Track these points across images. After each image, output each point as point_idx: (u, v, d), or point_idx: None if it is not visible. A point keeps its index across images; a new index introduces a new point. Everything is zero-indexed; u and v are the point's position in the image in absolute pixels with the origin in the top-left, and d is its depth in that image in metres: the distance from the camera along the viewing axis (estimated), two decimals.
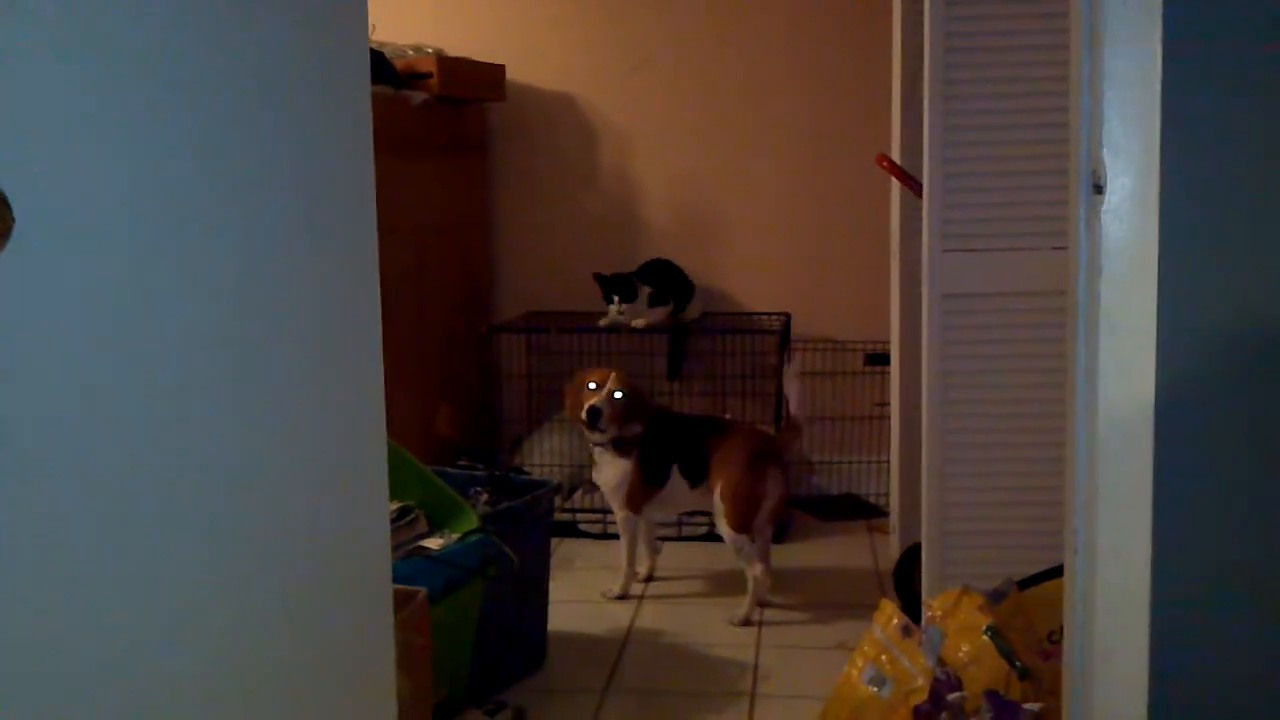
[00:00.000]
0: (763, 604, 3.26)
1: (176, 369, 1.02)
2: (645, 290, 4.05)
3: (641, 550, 3.47)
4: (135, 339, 0.96)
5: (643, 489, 3.34)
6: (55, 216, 0.85)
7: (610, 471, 3.36)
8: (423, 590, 2.22)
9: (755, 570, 3.22)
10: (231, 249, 1.09)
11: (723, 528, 3.24)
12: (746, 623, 3.18)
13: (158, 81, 0.98)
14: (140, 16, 0.95)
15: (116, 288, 0.94)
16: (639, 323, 4.04)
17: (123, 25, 0.93)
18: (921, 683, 2.12)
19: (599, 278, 4.04)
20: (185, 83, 1.01)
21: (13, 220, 0.75)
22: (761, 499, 3.25)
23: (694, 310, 4.17)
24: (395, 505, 2.54)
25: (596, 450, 3.38)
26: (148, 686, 1.00)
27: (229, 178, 1.08)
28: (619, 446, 3.33)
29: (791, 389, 3.42)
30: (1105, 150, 1.31)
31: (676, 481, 3.33)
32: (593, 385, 3.32)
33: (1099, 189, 1.32)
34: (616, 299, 3.99)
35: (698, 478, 3.31)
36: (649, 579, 3.50)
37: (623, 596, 3.37)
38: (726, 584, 3.42)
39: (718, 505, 3.24)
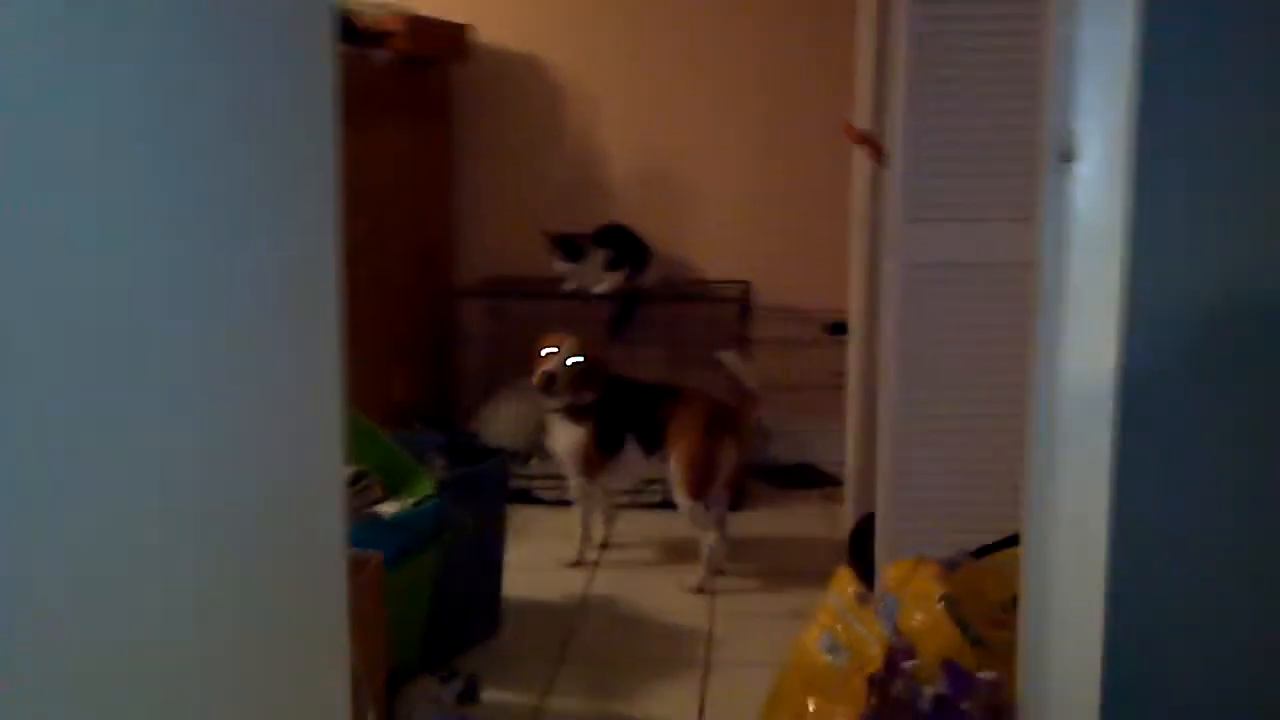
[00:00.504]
0: (718, 571, 3.27)
1: (129, 325, 0.98)
2: (601, 253, 4.02)
3: (596, 517, 3.46)
4: (87, 295, 0.93)
5: (598, 456, 3.33)
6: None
7: (565, 438, 3.34)
8: (377, 555, 2.20)
9: (710, 538, 3.22)
10: (186, 207, 1.05)
11: (678, 495, 3.24)
12: (700, 590, 3.19)
13: (103, 27, 0.94)
14: None
15: (67, 247, 0.90)
16: (600, 288, 4.02)
17: None
18: (877, 650, 2.12)
19: (548, 236, 4.01)
20: (136, 33, 0.97)
21: None
22: (717, 466, 3.24)
23: (651, 276, 4.15)
24: (350, 470, 2.51)
25: (551, 416, 3.36)
26: (91, 649, 0.98)
27: (183, 133, 1.04)
28: (573, 413, 3.32)
29: (731, 363, 3.40)
30: (1077, 120, 1.30)
31: (632, 449, 3.32)
32: (548, 351, 3.30)
33: (1068, 159, 1.31)
34: (561, 255, 3.98)
35: (653, 445, 3.30)
36: (603, 546, 3.50)
37: (578, 563, 3.36)
38: (682, 552, 3.42)
39: (674, 472, 3.23)
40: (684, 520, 3.30)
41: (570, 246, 4.00)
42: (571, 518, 3.43)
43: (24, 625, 0.89)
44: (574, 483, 3.39)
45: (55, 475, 0.92)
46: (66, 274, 0.92)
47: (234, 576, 1.16)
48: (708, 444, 3.23)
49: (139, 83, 0.99)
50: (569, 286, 4.05)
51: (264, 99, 1.16)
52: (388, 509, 2.53)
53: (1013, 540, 2.09)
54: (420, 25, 3.81)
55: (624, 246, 4.07)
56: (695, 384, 3.75)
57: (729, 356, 3.44)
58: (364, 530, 2.38)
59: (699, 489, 3.22)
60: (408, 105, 4.00)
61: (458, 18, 4.14)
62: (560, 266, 4.00)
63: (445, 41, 4.08)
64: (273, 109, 1.18)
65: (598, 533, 3.48)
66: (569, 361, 3.27)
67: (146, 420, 1.02)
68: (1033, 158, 1.48)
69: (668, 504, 3.55)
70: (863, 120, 3.31)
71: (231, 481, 1.15)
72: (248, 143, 1.14)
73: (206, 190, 1.08)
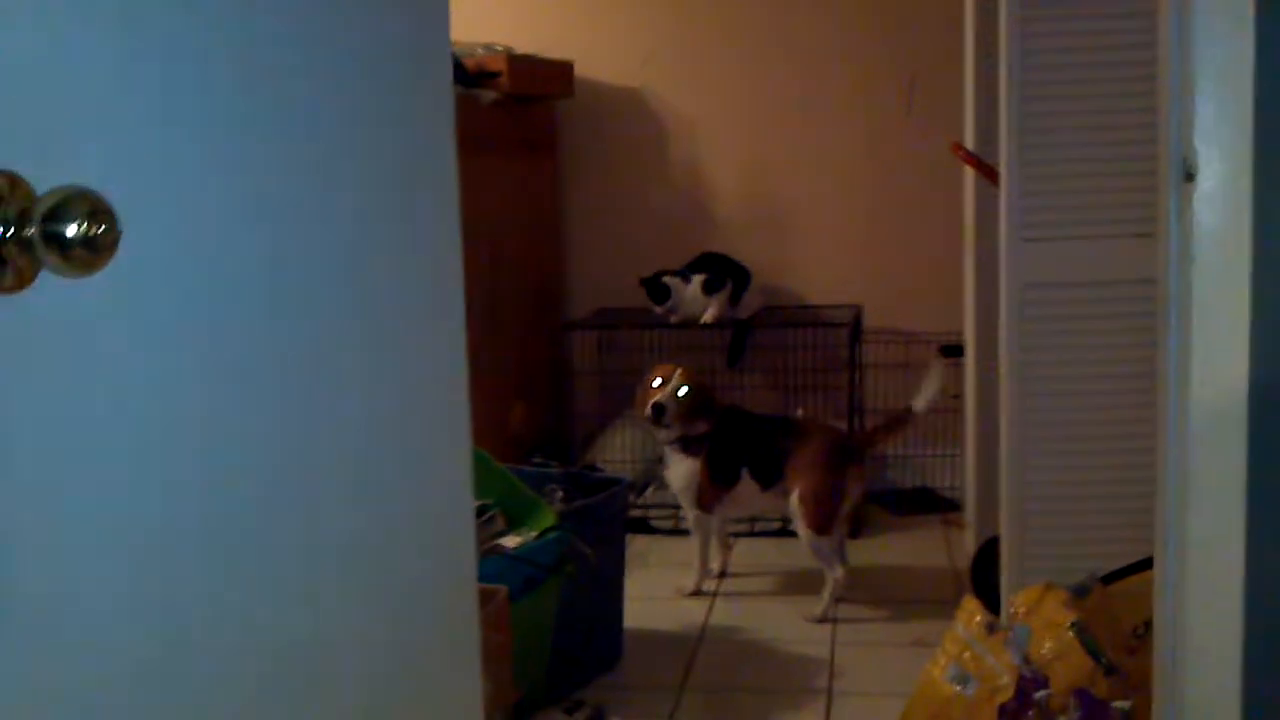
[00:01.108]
0: (837, 600, 3.25)
1: (268, 369, 1.03)
2: (696, 280, 4.04)
3: (714, 546, 3.46)
4: (231, 348, 0.98)
5: (711, 488, 3.33)
6: (157, 227, 0.87)
7: (678, 470, 3.35)
8: (503, 588, 2.23)
9: (836, 572, 3.18)
10: (331, 253, 1.10)
11: (801, 529, 3.21)
12: (823, 620, 3.16)
13: (261, 92, 0.99)
14: (246, 21, 0.97)
15: (210, 298, 0.95)
16: (708, 316, 4.03)
17: (229, 32, 0.95)
18: (1006, 680, 2.09)
19: (640, 282, 4.05)
20: (285, 87, 1.03)
21: (119, 233, 0.76)
22: (842, 501, 3.22)
23: (753, 296, 4.14)
24: (475, 503, 2.56)
25: (665, 449, 3.38)
26: (238, 680, 1.02)
27: (328, 181, 1.09)
28: (686, 445, 3.32)
29: (935, 376, 3.31)
30: (1196, 137, 1.28)
31: (746, 483, 3.31)
32: (657, 382, 3.32)
33: (1190, 176, 1.29)
34: (651, 298, 4.01)
35: (770, 479, 3.28)
36: (721, 575, 3.49)
37: (696, 593, 3.37)
38: (800, 580, 3.40)
39: (796, 507, 3.20)
40: (801, 548, 3.28)
41: (656, 288, 4.03)
42: (688, 546, 3.44)
43: (173, 655, 0.94)
44: (689, 515, 3.39)
45: (201, 514, 0.97)
46: (218, 336, 0.97)
47: (372, 610, 1.20)
48: (832, 479, 3.20)
49: (303, 140, 1.04)
50: (676, 318, 4.07)
51: (398, 148, 1.21)
52: (510, 542, 2.57)
53: (1145, 564, 2.04)
54: (524, 64, 3.89)
55: (718, 270, 4.08)
56: (812, 417, 3.75)
57: (936, 368, 3.34)
58: (489, 563, 2.42)
59: (824, 524, 3.19)
60: (515, 143, 4.08)
61: (561, 55, 4.22)
62: (658, 310, 4.04)
63: (549, 79, 4.15)
64: (405, 157, 1.22)
65: (715, 562, 3.48)
66: (678, 392, 3.28)
67: (292, 463, 1.07)
68: (1147, 173, 1.47)
69: (785, 532, 3.53)
70: (970, 140, 3.28)
71: (371, 517, 1.19)
72: (385, 191, 1.18)
73: (351, 240, 1.13)
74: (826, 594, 3.18)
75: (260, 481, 1.03)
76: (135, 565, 0.89)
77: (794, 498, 3.20)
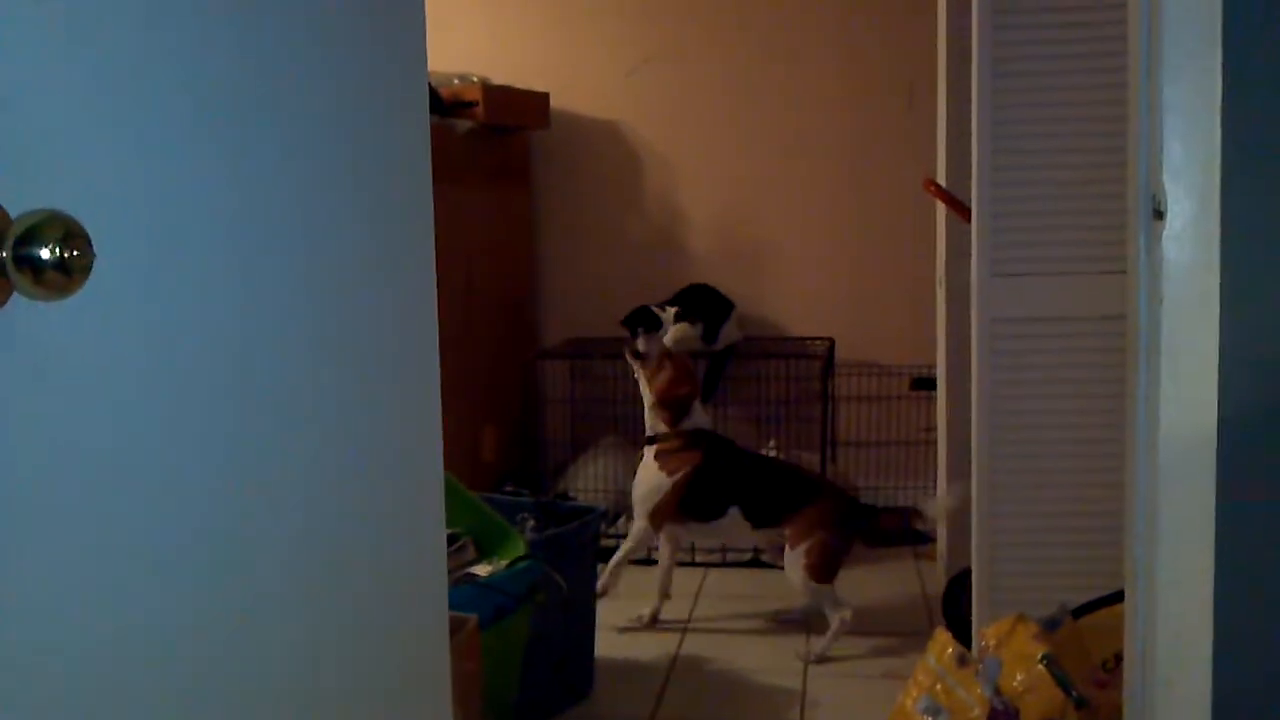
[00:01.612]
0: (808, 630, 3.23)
1: (241, 392, 1.03)
2: (672, 310, 4.05)
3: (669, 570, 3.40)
4: (202, 367, 0.98)
5: (675, 512, 3.30)
6: (132, 250, 0.87)
7: (645, 476, 3.31)
8: (474, 617, 2.22)
9: (844, 613, 3.14)
10: (302, 279, 1.10)
11: (801, 579, 3.17)
12: (823, 660, 3.12)
13: (234, 110, 0.99)
14: (219, 44, 0.97)
15: (184, 322, 0.95)
16: (667, 338, 3.99)
17: (198, 60, 0.95)
18: (978, 713, 2.09)
19: (621, 323, 4.06)
20: (263, 109, 1.03)
21: (93, 255, 0.76)
22: (846, 559, 3.22)
23: (731, 331, 4.15)
24: (445, 532, 2.54)
25: (643, 453, 3.34)
26: (205, 705, 1.01)
27: (300, 203, 1.09)
28: (662, 458, 3.30)
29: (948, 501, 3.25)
30: (1165, 175, 1.29)
31: (735, 520, 3.28)
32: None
33: (1159, 214, 1.31)
34: (640, 330, 4.00)
35: (763, 522, 3.26)
36: (666, 597, 3.41)
37: (654, 621, 3.33)
38: (773, 610, 3.40)
39: (799, 558, 3.17)
40: (775, 579, 3.26)
41: (645, 318, 4.02)
42: (659, 576, 3.42)
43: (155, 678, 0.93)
44: (637, 523, 3.33)
45: (167, 542, 0.96)
46: (186, 361, 0.96)
47: (343, 638, 1.19)
48: (842, 542, 3.20)
49: (280, 166, 1.04)
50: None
51: (373, 178, 1.21)
52: (481, 570, 2.56)
53: (1115, 598, 2.05)
54: (500, 95, 3.91)
55: (699, 303, 4.09)
56: (779, 442, 3.74)
57: (954, 492, 3.19)
58: (459, 592, 2.40)
59: (829, 576, 3.18)
60: (491, 172, 4.09)
61: (537, 86, 4.23)
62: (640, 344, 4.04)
63: (525, 110, 4.17)
64: (379, 186, 1.22)
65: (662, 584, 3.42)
66: (665, 334, 3.29)
67: (260, 489, 1.06)
68: (1117, 210, 1.48)
69: (757, 563, 3.53)
70: (943, 176, 3.31)
71: (339, 545, 1.18)
72: (359, 219, 1.18)
73: (322, 267, 1.13)
74: (831, 634, 3.13)
75: (227, 505, 1.02)
76: (95, 589, 0.88)
77: (800, 550, 3.17)
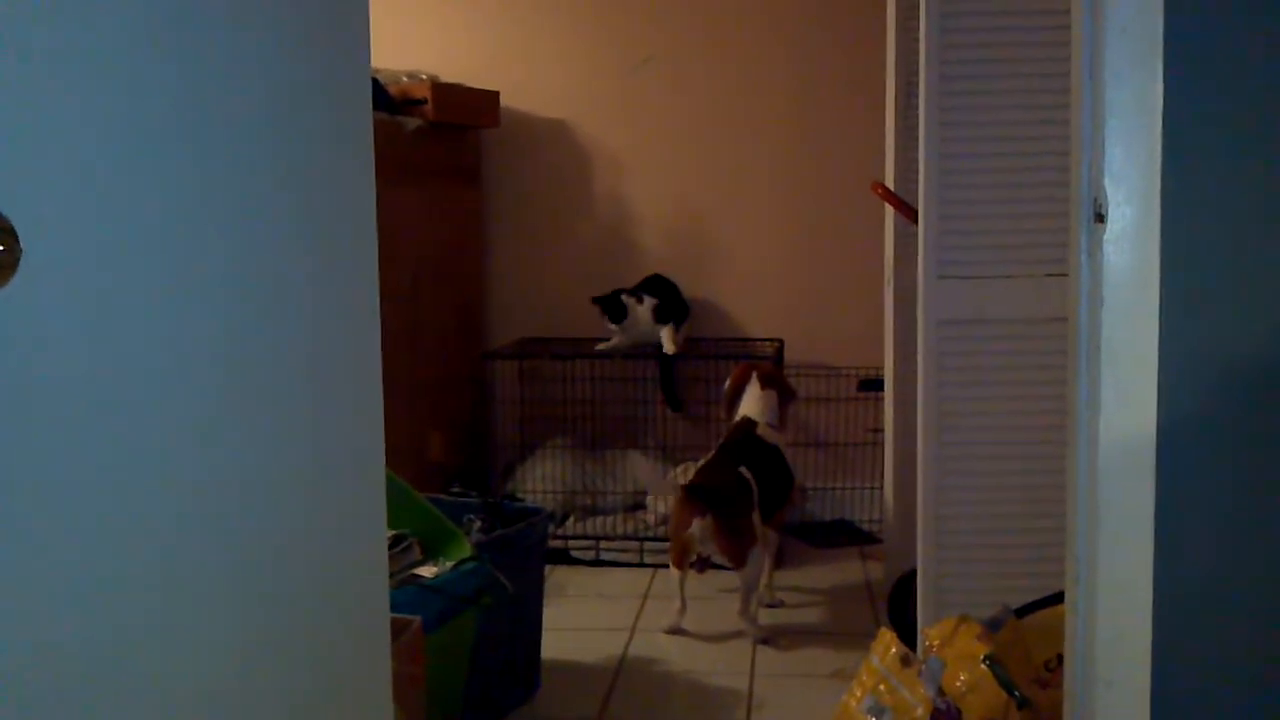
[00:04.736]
0: (770, 605, 3.32)
1: (177, 390, 1.01)
2: (650, 302, 4.04)
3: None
4: (136, 363, 0.96)
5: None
6: (61, 244, 0.85)
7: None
8: (417, 619, 2.20)
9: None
10: (234, 274, 1.08)
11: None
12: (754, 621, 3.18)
13: (164, 106, 0.97)
14: (147, 37, 0.95)
15: (118, 314, 0.93)
16: (669, 348, 4.02)
17: (132, 49, 0.93)
18: (921, 713, 2.10)
19: (594, 302, 4.05)
20: (192, 104, 1.01)
21: (20, 250, 0.74)
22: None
23: (685, 333, 4.17)
24: (389, 533, 2.52)
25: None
26: (143, 707, 0.99)
27: (234, 200, 1.07)
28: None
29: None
30: (1106, 179, 1.31)
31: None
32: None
33: (1100, 218, 1.32)
34: (607, 317, 4.01)
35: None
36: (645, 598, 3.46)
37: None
38: (723, 612, 3.40)
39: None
40: (725, 579, 3.27)
41: (614, 306, 4.03)
42: (609, 578, 3.42)
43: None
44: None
45: (103, 545, 0.94)
46: (123, 351, 0.94)
47: (279, 639, 1.17)
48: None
49: (212, 164, 1.02)
50: (604, 347, 4.07)
51: (312, 174, 1.19)
52: (427, 572, 2.54)
53: (1055, 598, 2.07)
54: (449, 93, 3.88)
55: (668, 298, 4.10)
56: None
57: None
58: (403, 594, 2.38)
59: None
60: (440, 171, 4.06)
61: (487, 85, 4.21)
62: (611, 328, 4.03)
63: (475, 108, 4.14)
64: (318, 182, 1.21)
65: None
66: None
67: (194, 487, 1.04)
68: (1061, 214, 1.49)
69: (707, 563, 3.52)
70: (890, 179, 3.33)
71: (275, 545, 1.16)
72: (296, 216, 1.17)
73: (256, 263, 1.11)
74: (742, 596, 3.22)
75: (161, 505, 1.00)
76: (35, 586, 0.86)
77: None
